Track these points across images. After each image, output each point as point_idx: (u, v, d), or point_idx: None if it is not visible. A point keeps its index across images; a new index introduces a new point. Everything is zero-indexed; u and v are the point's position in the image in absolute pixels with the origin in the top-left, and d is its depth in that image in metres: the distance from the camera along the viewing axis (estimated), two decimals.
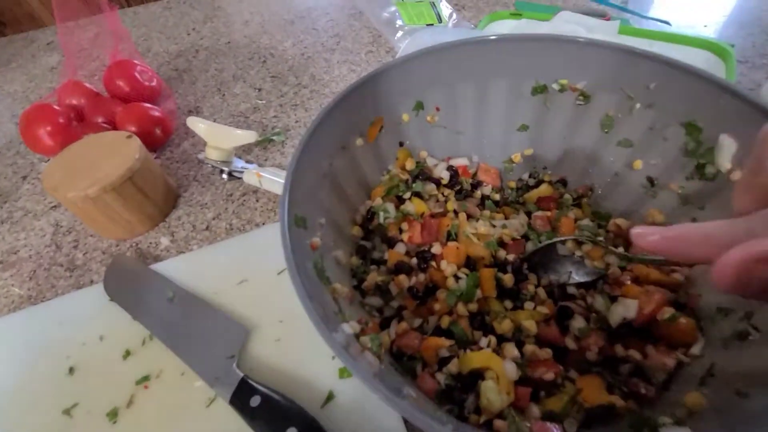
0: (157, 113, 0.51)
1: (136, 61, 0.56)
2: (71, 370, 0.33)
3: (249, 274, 0.37)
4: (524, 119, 0.36)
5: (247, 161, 0.48)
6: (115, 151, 0.41)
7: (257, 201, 0.45)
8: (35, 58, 0.73)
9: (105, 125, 0.50)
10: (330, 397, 0.30)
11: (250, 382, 0.29)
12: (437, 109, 0.35)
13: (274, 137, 0.51)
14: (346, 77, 0.59)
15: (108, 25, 0.54)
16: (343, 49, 0.65)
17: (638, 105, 0.30)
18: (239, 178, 0.46)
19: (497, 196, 0.36)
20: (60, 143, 0.48)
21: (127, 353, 0.33)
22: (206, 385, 0.30)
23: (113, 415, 0.30)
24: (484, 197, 0.35)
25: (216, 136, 0.46)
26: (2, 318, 0.37)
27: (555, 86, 0.33)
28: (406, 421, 0.28)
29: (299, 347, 0.32)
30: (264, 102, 0.57)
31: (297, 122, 0.53)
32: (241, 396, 0.28)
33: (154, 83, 0.57)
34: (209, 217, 0.44)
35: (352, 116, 0.30)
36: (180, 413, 0.30)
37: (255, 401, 0.28)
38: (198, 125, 0.46)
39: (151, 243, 0.42)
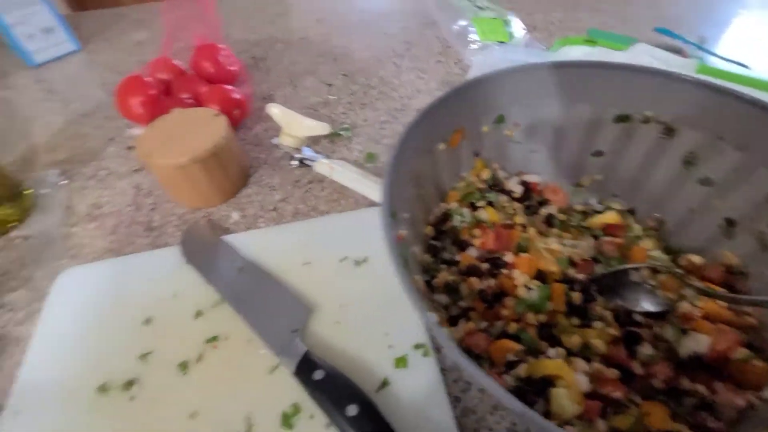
0: (237, 96, 0.54)
1: (221, 46, 0.60)
2: (147, 320, 0.35)
3: (313, 258, 0.39)
4: (601, 146, 0.37)
5: (316, 152, 0.51)
6: (204, 126, 0.44)
7: (323, 190, 0.47)
8: (124, 33, 0.79)
9: (189, 101, 0.54)
10: (385, 383, 0.31)
11: (314, 356, 0.31)
12: (516, 125, 0.37)
13: (342, 132, 0.53)
14: (414, 83, 0.61)
15: (204, 9, 0.58)
16: (413, 56, 0.67)
17: (727, 146, 0.30)
18: (308, 166, 0.49)
19: (563, 217, 0.36)
20: (149, 113, 0.52)
21: (199, 313, 0.36)
22: (270, 353, 0.33)
23: (184, 367, 0.32)
24: (549, 216, 0.36)
25: (292, 124, 0.49)
26: (87, 265, 0.41)
27: (639, 117, 0.34)
28: (458, 419, 0.29)
29: (357, 332, 0.34)
30: (334, 98, 0.60)
31: (365, 120, 0.56)
32: (305, 368, 0.30)
33: (234, 68, 0.60)
34: (276, 199, 0.46)
35: (441, 121, 0.32)
36: (244, 375, 0.32)
37: (318, 375, 0.29)
38: (276, 111, 0.49)
39: (222, 215, 0.45)
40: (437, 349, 0.33)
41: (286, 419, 0.29)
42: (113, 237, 0.44)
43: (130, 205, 0.47)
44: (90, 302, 0.37)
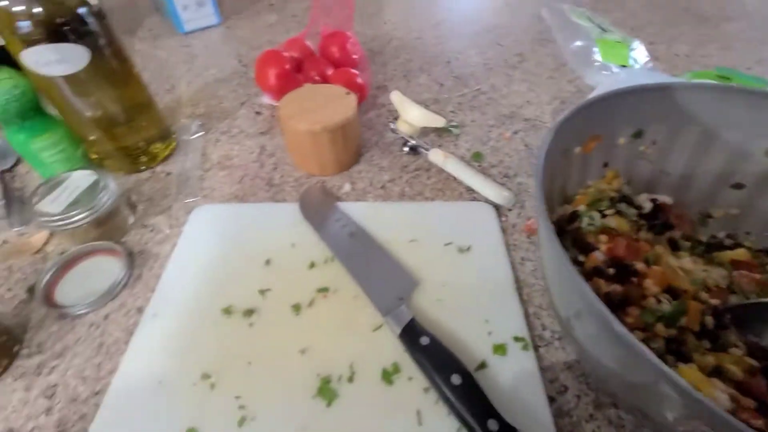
0: (360, 81, 0.58)
1: (348, 34, 0.65)
2: (267, 261, 0.39)
3: (418, 237, 0.41)
4: (743, 179, 0.35)
5: (424, 142, 0.53)
6: (335, 102, 0.47)
7: (429, 179, 0.49)
8: (258, 14, 0.87)
9: (317, 79, 0.59)
10: (482, 365, 0.32)
11: (419, 324, 0.32)
12: (653, 142, 0.36)
13: (452, 128, 0.55)
14: (525, 94, 0.62)
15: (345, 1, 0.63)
16: (525, 69, 0.67)
17: None
18: (418, 154, 0.51)
19: (687, 244, 0.35)
20: (281, 85, 0.58)
21: (312, 264, 0.39)
22: (375, 312, 0.35)
23: (297, 308, 0.35)
24: (673, 240, 0.35)
25: (409, 113, 0.52)
26: (217, 204, 0.46)
27: None
28: (555, 416, 0.29)
29: (457, 313, 0.35)
30: (445, 96, 0.62)
31: (473, 121, 0.57)
32: (411, 333, 0.32)
33: (357, 56, 0.65)
34: (385, 178, 0.49)
35: (584, 124, 0.33)
36: (350, 327, 0.34)
37: (424, 341, 0.31)
38: (397, 98, 0.52)
39: (335, 185, 0.48)
40: (536, 347, 0.33)
41: (387, 375, 0.31)
42: (239, 186, 0.49)
43: (255, 161, 0.52)
44: (219, 236, 0.41)
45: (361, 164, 0.51)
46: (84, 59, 0.39)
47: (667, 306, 0.27)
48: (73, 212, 0.38)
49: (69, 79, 0.40)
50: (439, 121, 0.51)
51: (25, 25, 0.36)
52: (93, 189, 0.39)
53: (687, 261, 0.30)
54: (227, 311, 0.35)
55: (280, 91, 0.58)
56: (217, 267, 0.39)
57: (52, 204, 0.38)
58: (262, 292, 0.37)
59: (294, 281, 0.37)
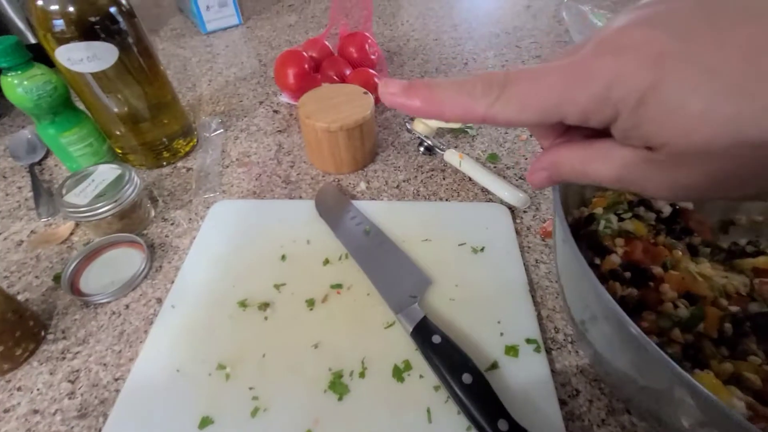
0: (377, 80, 0.58)
1: (366, 35, 0.66)
2: (283, 257, 0.40)
3: (432, 236, 0.41)
4: None
5: (440, 143, 0.53)
6: (353, 101, 0.48)
7: (444, 179, 0.49)
8: (278, 15, 0.89)
9: (334, 79, 0.59)
10: (494, 365, 0.32)
11: (431, 322, 0.33)
12: None
13: (468, 129, 0.55)
14: None
15: (364, 3, 0.64)
16: None
17: None
18: (433, 154, 0.51)
19: (707, 251, 0.34)
20: (300, 84, 0.59)
21: (326, 261, 0.39)
22: (388, 309, 0.35)
23: (311, 303, 0.36)
24: (692, 245, 0.34)
25: None
26: (235, 200, 0.47)
27: None
28: (566, 420, 0.29)
29: (470, 312, 0.35)
30: None
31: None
32: (423, 331, 0.32)
33: (375, 57, 0.65)
34: (400, 178, 0.49)
35: None
36: (362, 324, 0.34)
37: (436, 339, 0.31)
38: None
39: (350, 183, 0.49)
40: (548, 350, 0.33)
41: (398, 372, 0.31)
42: (257, 182, 0.49)
43: (273, 159, 0.53)
44: (237, 231, 0.42)
45: (377, 163, 0.52)
46: (113, 57, 0.41)
47: (684, 311, 0.26)
48: (99, 204, 0.39)
49: (98, 75, 0.42)
50: (455, 122, 0.51)
51: (59, 24, 0.38)
52: (118, 182, 0.41)
53: (706, 267, 0.29)
54: (243, 304, 0.36)
55: (298, 91, 0.60)
56: (234, 261, 0.40)
57: (78, 196, 0.39)
58: (278, 286, 0.37)
59: (308, 277, 0.38)
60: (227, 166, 0.52)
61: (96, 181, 0.41)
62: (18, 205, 0.48)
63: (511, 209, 0.44)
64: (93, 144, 0.47)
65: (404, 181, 0.49)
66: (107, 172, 0.42)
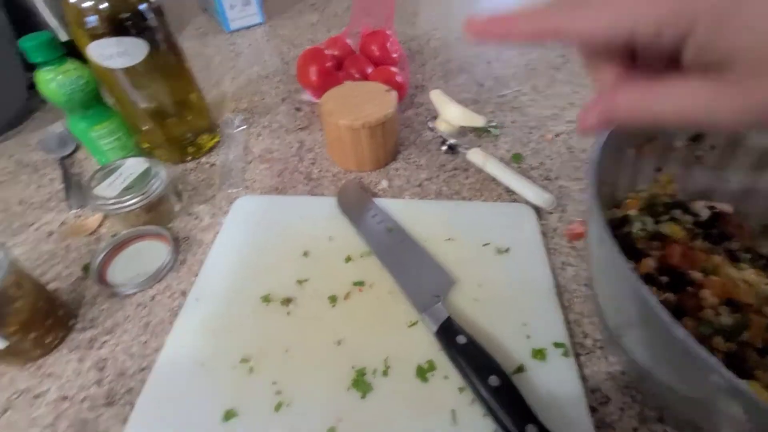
0: (399, 79, 0.58)
1: (388, 33, 0.65)
2: (305, 253, 0.40)
3: (456, 236, 0.40)
4: None
5: (463, 142, 0.52)
6: (376, 99, 0.48)
7: (467, 178, 0.48)
8: (300, 13, 0.89)
9: (356, 77, 0.59)
10: (520, 369, 0.31)
11: (456, 323, 0.32)
12: (712, 147, 0.34)
13: (491, 129, 0.54)
14: (568, 96, 0.60)
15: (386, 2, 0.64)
16: (569, 71, 0.65)
17: None
18: (455, 153, 0.51)
19: (747, 256, 0.33)
20: (322, 82, 0.59)
21: (349, 258, 0.39)
22: (410, 308, 0.34)
23: (333, 300, 0.36)
24: (730, 251, 0.33)
25: (449, 111, 0.51)
26: (258, 196, 0.47)
27: None
28: (596, 428, 0.28)
29: (495, 314, 0.34)
30: (485, 96, 0.61)
31: (513, 122, 0.56)
32: (447, 332, 0.31)
33: (396, 55, 0.65)
34: (422, 177, 0.49)
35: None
36: (384, 322, 0.34)
37: (461, 340, 0.30)
38: (437, 97, 0.52)
39: (371, 181, 0.49)
40: (577, 355, 0.32)
41: (422, 372, 0.31)
42: (279, 179, 0.50)
43: (294, 156, 0.53)
44: (260, 226, 0.43)
45: (399, 162, 0.51)
46: (143, 52, 0.42)
47: (726, 319, 0.25)
48: (127, 197, 0.40)
49: (128, 71, 0.42)
50: (478, 121, 0.50)
51: (92, 20, 0.39)
52: (145, 176, 0.41)
53: (750, 273, 0.28)
54: (266, 299, 0.36)
55: (320, 88, 0.60)
56: (257, 256, 0.40)
57: (108, 188, 0.40)
58: (300, 282, 0.37)
59: (331, 273, 0.38)
60: (250, 162, 0.52)
61: (124, 174, 0.41)
62: (49, 196, 0.49)
63: (537, 210, 0.43)
64: (121, 138, 0.48)
65: (426, 180, 0.48)
66: (135, 165, 0.42)
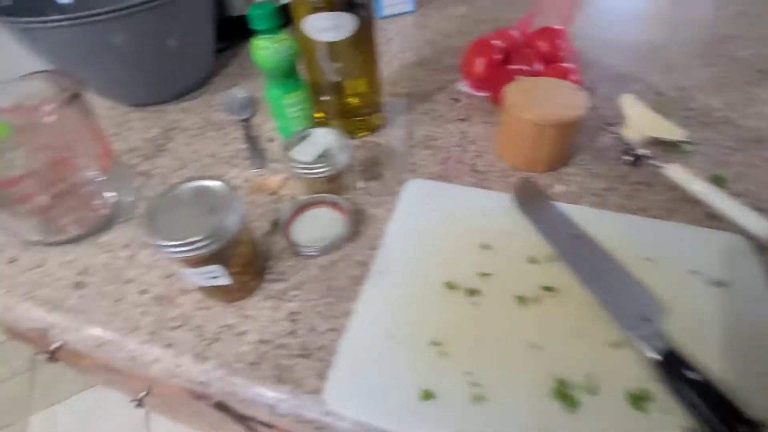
0: (575, 78, 0.54)
1: (561, 29, 0.61)
2: (484, 246, 0.39)
3: (654, 256, 0.36)
4: None
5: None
6: (564, 97, 0.45)
7: (656, 195, 0.43)
8: (449, 4, 0.88)
9: (525, 72, 0.57)
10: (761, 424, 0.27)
11: (684, 354, 0.28)
12: None
13: (682, 144, 0.48)
14: None
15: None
16: None
17: None
18: (638, 165, 0.46)
19: None
20: (488, 74, 0.57)
21: (533, 260, 0.37)
22: (609, 325, 0.32)
23: (522, 300, 0.34)
24: None
25: (640, 119, 0.47)
26: (428, 181, 0.46)
27: None
28: None
29: (718, 355, 0.30)
30: (666, 109, 0.55)
31: (706, 140, 0.50)
32: (674, 363, 0.28)
33: (566, 53, 0.61)
34: (600, 186, 0.45)
35: None
36: (581, 335, 0.32)
37: (694, 376, 0.27)
38: (630, 102, 0.47)
39: (542, 183, 0.46)
40: None
41: (635, 400, 0.28)
42: (443, 167, 0.49)
43: (457, 146, 0.52)
44: (433, 210, 0.42)
45: (570, 167, 0.48)
46: (351, 27, 0.43)
47: None
48: (319, 164, 0.42)
49: (332, 44, 0.44)
50: (677, 133, 0.45)
51: None
52: (335, 146, 0.43)
53: None
54: (450, 286, 0.36)
55: (486, 80, 0.58)
56: (433, 240, 0.39)
57: (302, 154, 0.42)
58: (482, 275, 0.36)
59: (515, 272, 0.36)
60: (413, 147, 0.52)
61: (318, 143, 0.43)
62: (233, 154, 0.54)
63: (753, 242, 0.37)
64: (305, 108, 0.50)
65: (605, 190, 0.45)
66: (326, 135, 0.44)
